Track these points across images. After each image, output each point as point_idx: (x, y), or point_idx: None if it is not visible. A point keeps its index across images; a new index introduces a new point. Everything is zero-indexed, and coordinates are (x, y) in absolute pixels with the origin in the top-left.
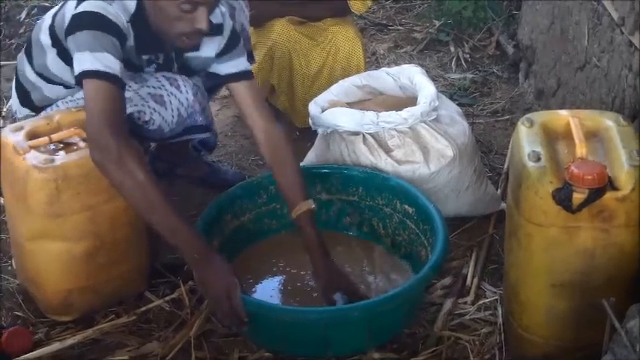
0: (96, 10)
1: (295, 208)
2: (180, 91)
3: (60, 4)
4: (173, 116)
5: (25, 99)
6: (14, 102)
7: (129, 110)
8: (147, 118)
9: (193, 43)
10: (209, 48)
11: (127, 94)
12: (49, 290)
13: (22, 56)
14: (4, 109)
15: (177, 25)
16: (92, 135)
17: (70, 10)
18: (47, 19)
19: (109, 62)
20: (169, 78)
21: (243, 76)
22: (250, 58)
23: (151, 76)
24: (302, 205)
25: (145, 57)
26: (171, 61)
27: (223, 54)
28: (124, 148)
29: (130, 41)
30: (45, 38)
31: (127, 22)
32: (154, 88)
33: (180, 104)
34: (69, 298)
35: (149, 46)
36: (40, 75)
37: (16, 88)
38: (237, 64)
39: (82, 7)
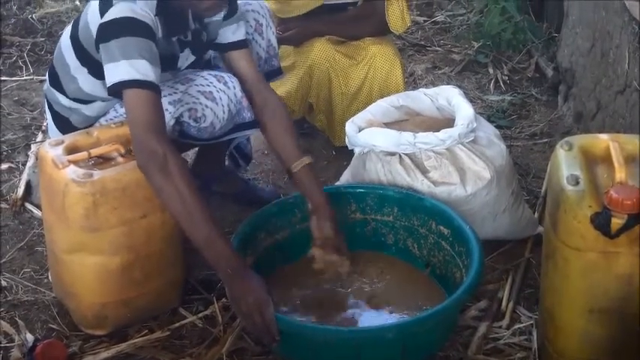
0: (125, 14)
1: (294, 164)
2: (228, 87)
3: (70, 25)
4: (224, 112)
5: (66, 126)
6: (53, 132)
7: (180, 111)
8: (199, 115)
9: (218, 9)
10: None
11: (176, 97)
12: (84, 303)
13: (49, 89)
14: (44, 124)
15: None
16: (138, 142)
17: (94, 19)
18: (65, 40)
19: (145, 70)
20: (216, 75)
21: (244, 44)
22: (279, 73)
23: (197, 76)
24: (301, 162)
25: (174, 39)
26: (198, 35)
27: (228, 17)
28: (171, 155)
29: (159, 33)
30: (72, 61)
31: (155, 15)
32: (202, 85)
33: (230, 100)
34: (103, 311)
35: (175, 27)
36: (75, 100)
37: (52, 118)
38: (238, 30)
39: (111, 14)
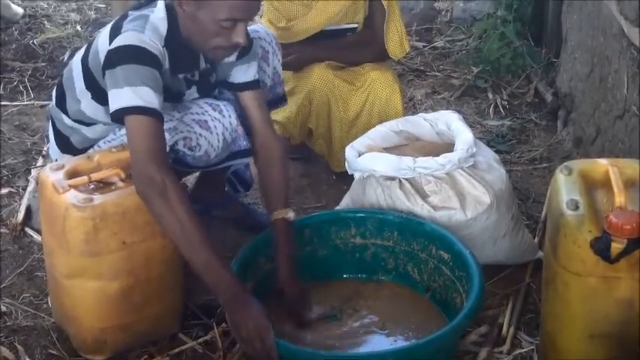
0: (133, 42)
1: (274, 213)
2: (224, 116)
3: (84, 48)
4: (219, 141)
5: (66, 145)
6: (53, 151)
7: (174, 139)
8: (193, 144)
9: (228, 55)
10: None
11: (171, 124)
12: (83, 328)
13: (53, 107)
14: (45, 149)
15: (216, 40)
16: (138, 169)
17: (103, 46)
18: (76, 62)
19: (148, 97)
20: (211, 104)
21: (253, 85)
22: (283, 101)
23: (193, 104)
24: (279, 213)
25: (180, 76)
26: (206, 75)
27: (240, 57)
28: (169, 182)
29: (166, 65)
30: (79, 84)
31: (163, 46)
32: (197, 114)
33: (225, 129)
34: (103, 336)
35: (183, 64)
36: (76, 121)
37: (54, 136)
38: (248, 70)
39: (119, 42)
